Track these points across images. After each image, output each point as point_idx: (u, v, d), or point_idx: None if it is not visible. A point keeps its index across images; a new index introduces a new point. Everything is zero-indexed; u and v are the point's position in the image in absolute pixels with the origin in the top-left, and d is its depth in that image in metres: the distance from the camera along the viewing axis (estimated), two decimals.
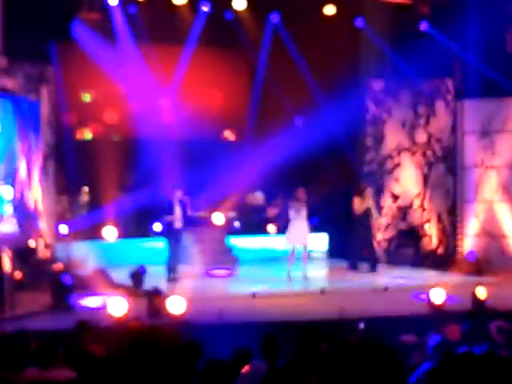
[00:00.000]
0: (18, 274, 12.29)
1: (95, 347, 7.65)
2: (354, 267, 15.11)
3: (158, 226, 14.63)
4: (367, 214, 15.07)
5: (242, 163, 16.05)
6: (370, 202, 15.11)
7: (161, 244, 14.38)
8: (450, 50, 15.35)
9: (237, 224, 16.50)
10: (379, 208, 16.07)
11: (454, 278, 14.14)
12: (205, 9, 15.23)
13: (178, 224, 13.99)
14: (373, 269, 14.95)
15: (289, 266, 14.23)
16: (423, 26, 15.53)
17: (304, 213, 14.40)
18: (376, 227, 15.74)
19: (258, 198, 17.48)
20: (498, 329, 7.94)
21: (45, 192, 14.06)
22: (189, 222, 14.84)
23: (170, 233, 13.99)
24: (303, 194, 14.46)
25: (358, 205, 15.04)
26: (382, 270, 15.12)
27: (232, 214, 16.64)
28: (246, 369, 6.20)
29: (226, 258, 15.50)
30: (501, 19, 14.81)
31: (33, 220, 13.67)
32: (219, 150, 16.91)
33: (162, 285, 12.15)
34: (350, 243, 15.31)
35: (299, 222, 14.33)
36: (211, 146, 16.87)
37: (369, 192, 15.20)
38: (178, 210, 13.98)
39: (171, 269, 13.85)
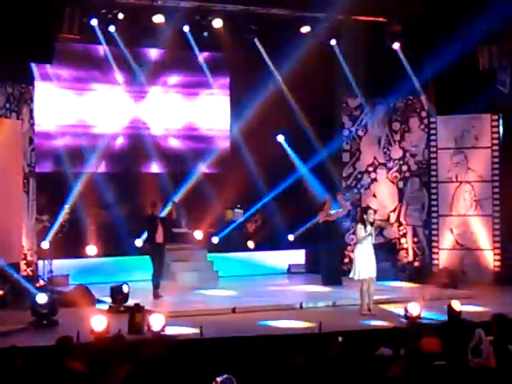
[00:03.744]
0: None
1: (76, 363, 7.77)
2: (327, 282, 15.29)
3: (139, 242, 14.74)
4: (335, 226, 15.33)
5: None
6: (337, 213, 15.37)
7: (144, 260, 14.43)
8: (423, 68, 15.68)
9: (216, 240, 16.65)
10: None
11: (429, 290, 14.37)
12: (186, 29, 15.44)
13: (161, 239, 14.06)
14: (335, 281, 15.14)
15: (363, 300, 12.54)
16: (396, 45, 15.85)
17: (372, 237, 12.47)
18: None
19: (238, 213, 17.65)
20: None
21: (26, 210, 14.17)
22: (170, 237, 14.99)
23: (153, 249, 14.07)
24: (372, 213, 12.62)
25: (322, 216, 15.31)
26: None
27: (212, 230, 16.80)
28: (217, 382, 6.35)
29: (207, 274, 15.65)
30: (472, 37, 15.13)
31: (14, 238, 13.75)
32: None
33: (144, 301, 12.28)
34: (321, 258, 15.61)
35: (368, 249, 12.57)
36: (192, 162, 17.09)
37: (328, 201, 15.39)
38: (160, 226, 14.09)
39: (157, 284, 13.91)
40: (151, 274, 13.93)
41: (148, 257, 14.10)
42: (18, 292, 12.92)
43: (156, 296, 13.74)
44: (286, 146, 17.35)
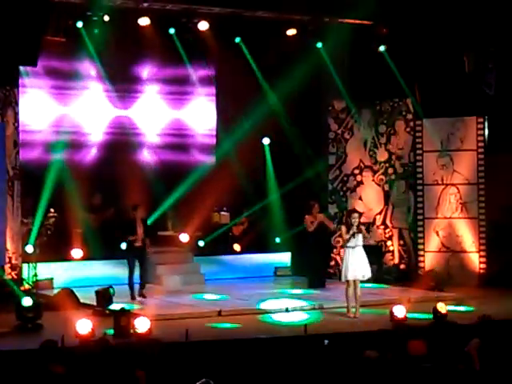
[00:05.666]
0: None
1: (58, 367, 7.73)
2: (313, 285, 15.31)
3: (125, 245, 14.71)
4: (322, 229, 15.38)
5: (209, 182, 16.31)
6: (321, 217, 15.41)
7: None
8: (410, 70, 15.72)
9: (202, 243, 16.63)
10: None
11: (415, 293, 14.40)
12: (171, 31, 15.41)
13: (139, 243, 14.02)
14: (321, 284, 15.21)
15: (349, 303, 12.60)
16: (382, 47, 15.89)
17: (360, 238, 12.56)
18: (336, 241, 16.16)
19: (224, 216, 17.64)
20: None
21: (11, 213, 14.11)
22: (154, 241, 14.95)
23: (130, 252, 14.03)
24: (357, 216, 12.76)
25: (309, 222, 15.32)
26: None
27: (198, 233, 16.78)
28: None
29: (193, 277, 15.63)
30: (459, 39, 15.20)
31: None
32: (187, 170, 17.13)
33: (129, 304, 12.21)
34: (307, 261, 15.63)
35: (356, 252, 12.55)
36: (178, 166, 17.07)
37: (316, 208, 15.46)
38: (139, 229, 14.05)
39: (132, 287, 13.89)
40: (127, 277, 13.89)
41: (126, 259, 14.06)
42: (2, 296, 12.85)
43: (133, 298, 13.71)
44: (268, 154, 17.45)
